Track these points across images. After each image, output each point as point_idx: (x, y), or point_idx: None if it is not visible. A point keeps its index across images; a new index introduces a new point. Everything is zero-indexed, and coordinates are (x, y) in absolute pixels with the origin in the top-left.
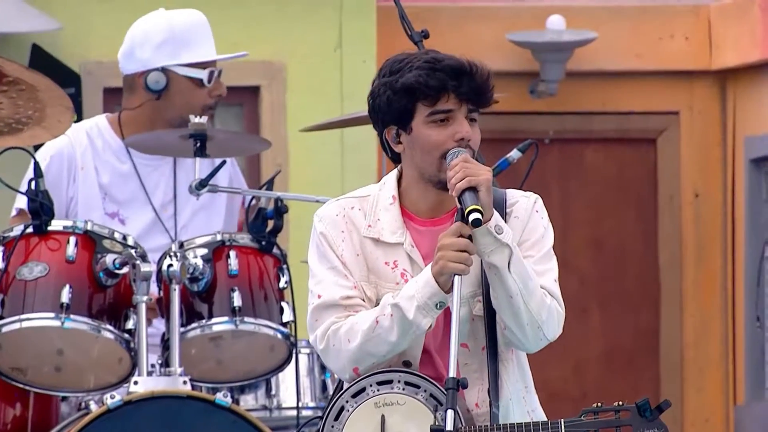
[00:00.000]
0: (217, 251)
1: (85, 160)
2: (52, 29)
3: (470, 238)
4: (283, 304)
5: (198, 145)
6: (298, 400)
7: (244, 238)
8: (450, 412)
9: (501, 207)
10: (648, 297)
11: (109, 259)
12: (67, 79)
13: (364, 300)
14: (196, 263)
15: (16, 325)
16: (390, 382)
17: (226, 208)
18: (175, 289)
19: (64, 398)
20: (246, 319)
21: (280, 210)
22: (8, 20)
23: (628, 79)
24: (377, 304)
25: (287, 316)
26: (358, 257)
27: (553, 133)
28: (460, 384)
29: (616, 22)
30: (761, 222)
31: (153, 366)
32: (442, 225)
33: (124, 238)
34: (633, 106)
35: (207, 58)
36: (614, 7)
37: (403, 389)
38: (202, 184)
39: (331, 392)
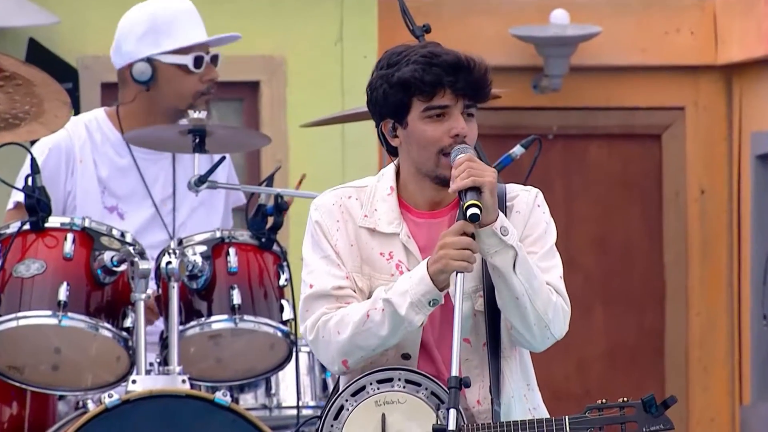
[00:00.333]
0: (217, 248)
1: (83, 153)
2: (49, 23)
3: (473, 236)
4: (283, 301)
5: (197, 140)
6: (299, 399)
7: (244, 235)
8: (452, 411)
9: (501, 201)
10: (653, 295)
11: (107, 256)
12: (64, 73)
13: (355, 291)
14: (195, 260)
15: (13, 323)
16: (390, 380)
17: (224, 204)
18: (173, 287)
19: (61, 397)
20: (245, 317)
21: (280, 206)
22: (5, 14)
23: (632, 74)
24: (369, 296)
25: (287, 314)
26: (352, 247)
27: (557, 129)
28: (462, 383)
29: (620, 16)
30: None
31: (151, 365)
32: (440, 218)
33: (122, 235)
34: (638, 102)
35: (190, 42)
36: (619, 1)
37: (404, 387)
38: (202, 180)
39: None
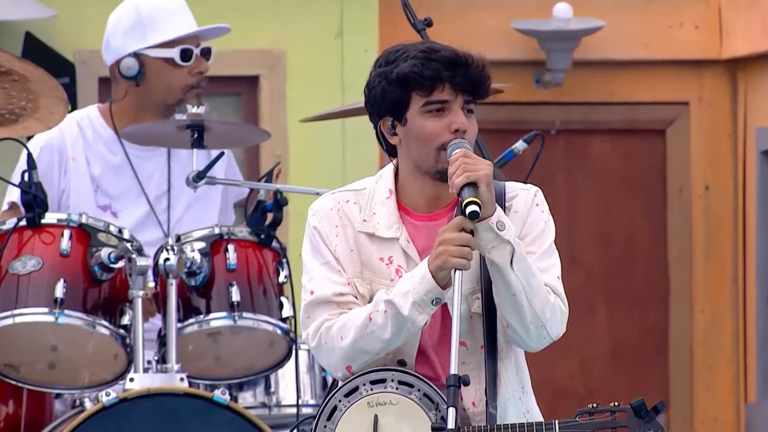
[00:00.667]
0: (215, 245)
1: (76, 151)
2: (46, 17)
3: (472, 233)
4: (283, 299)
5: (195, 136)
6: (298, 397)
7: (243, 232)
8: (451, 410)
9: (500, 200)
10: (656, 292)
11: (104, 252)
12: (61, 68)
13: (356, 297)
14: (193, 257)
15: (9, 321)
16: (383, 381)
17: (221, 200)
18: (172, 284)
19: (58, 395)
20: (245, 314)
21: (280, 202)
22: (1, 8)
23: (636, 69)
24: (371, 301)
25: (287, 311)
26: (352, 252)
27: (560, 124)
28: (461, 381)
29: (624, 10)
30: None
31: (149, 362)
32: (439, 220)
33: (120, 231)
34: (641, 97)
35: (175, 35)
36: None
37: (397, 388)
38: (200, 176)
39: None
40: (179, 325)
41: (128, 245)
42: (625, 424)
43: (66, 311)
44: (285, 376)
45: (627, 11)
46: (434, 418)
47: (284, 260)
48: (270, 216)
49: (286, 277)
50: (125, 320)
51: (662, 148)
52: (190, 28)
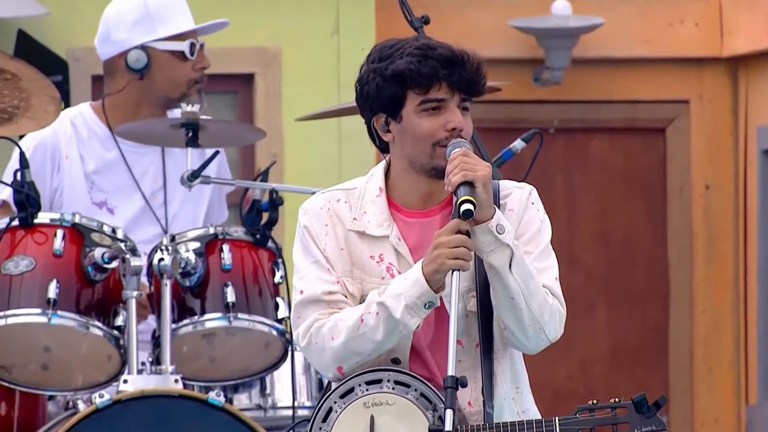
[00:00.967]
0: (210, 245)
1: (69, 149)
2: (39, 14)
3: (468, 234)
4: (279, 299)
5: (190, 134)
6: (294, 399)
7: (238, 231)
8: (449, 412)
9: (494, 199)
10: (657, 293)
11: (97, 252)
12: (54, 66)
13: (346, 296)
14: (188, 257)
15: (1, 322)
16: (379, 381)
17: (211, 198)
18: (166, 284)
19: (51, 397)
20: (240, 315)
21: (275, 202)
22: None
23: (636, 67)
24: (361, 300)
25: (282, 312)
26: (342, 251)
27: (558, 123)
28: (459, 383)
29: (623, 7)
30: None
31: (143, 364)
32: (431, 217)
33: (114, 231)
34: (641, 95)
35: (185, 29)
36: None
37: (393, 389)
38: (195, 175)
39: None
40: (174, 326)
41: (122, 245)
42: (625, 420)
43: (59, 312)
44: (281, 377)
45: (626, 8)
46: (431, 418)
47: (280, 260)
48: (265, 216)
49: (281, 277)
50: (119, 321)
51: (662, 147)
52: (193, 22)
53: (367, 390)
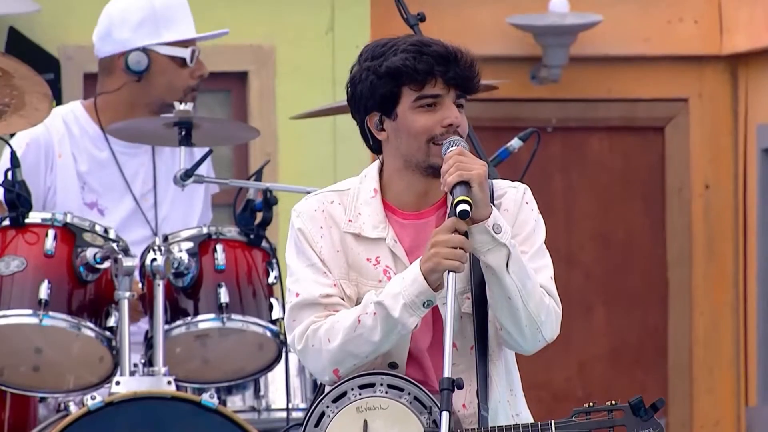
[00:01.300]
0: (203, 245)
1: (62, 148)
2: (30, 11)
3: (466, 234)
4: (273, 300)
5: (183, 133)
6: (288, 401)
7: (232, 231)
8: (445, 414)
9: (490, 199)
10: (656, 293)
11: (89, 253)
12: (45, 63)
13: (343, 299)
14: (181, 257)
15: None
16: (372, 385)
17: (204, 199)
18: (159, 285)
19: (42, 399)
20: (233, 316)
21: (270, 201)
22: None
23: (634, 65)
24: (358, 303)
25: (277, 312)
26: (338, 254)
27: (556, 121)
28: (455, 385)
29: (622, 4)
30: None
31: (136, 365)
32: (426, 218)
33: (106, 231)
34: (640, 93)
35: (189, 36)
36: None
37: (386, 393)
38: (188, 174)
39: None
40: (166, 327)
41: (114, 245)
42: (622, 422)
43: (50, 313)
44: (275, 379)
45: (625, 6)
46: (425, 422)
47: (274, 261)
48: (259, 215)
49: (275, 277)
50: (111, 322)
51: (661, 146)
52: (195, 30)
53: (360, 394)
